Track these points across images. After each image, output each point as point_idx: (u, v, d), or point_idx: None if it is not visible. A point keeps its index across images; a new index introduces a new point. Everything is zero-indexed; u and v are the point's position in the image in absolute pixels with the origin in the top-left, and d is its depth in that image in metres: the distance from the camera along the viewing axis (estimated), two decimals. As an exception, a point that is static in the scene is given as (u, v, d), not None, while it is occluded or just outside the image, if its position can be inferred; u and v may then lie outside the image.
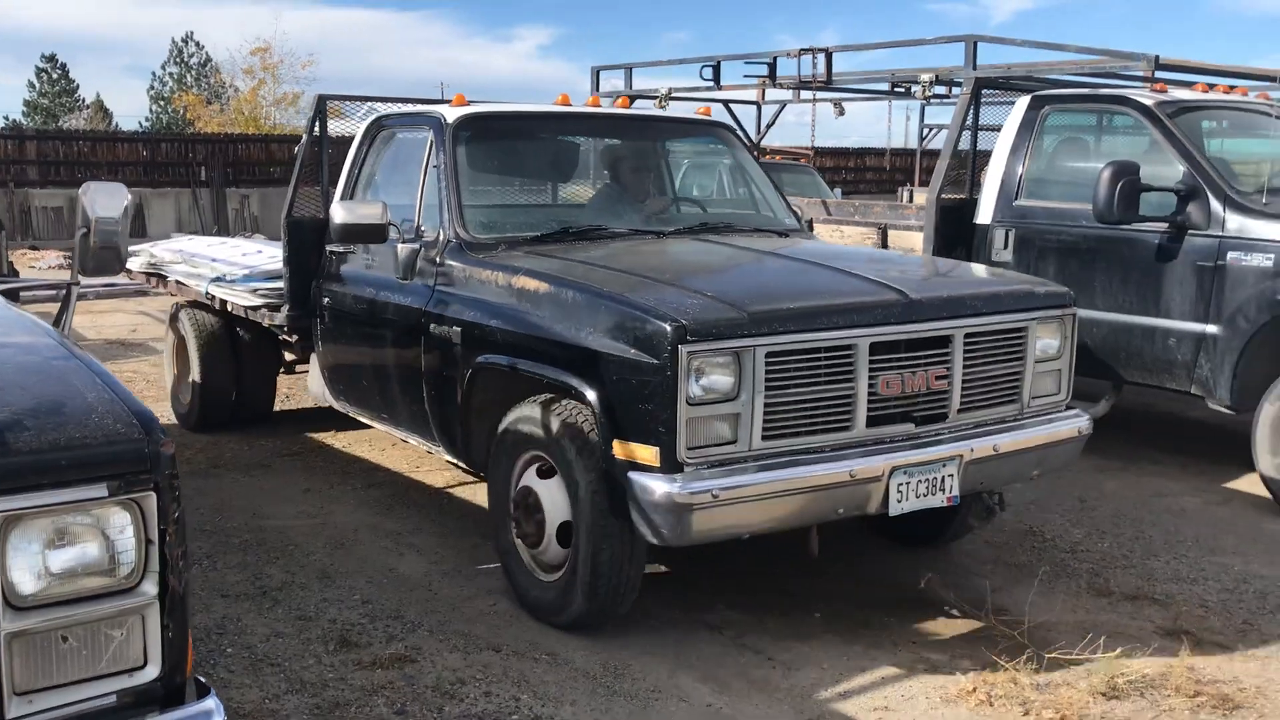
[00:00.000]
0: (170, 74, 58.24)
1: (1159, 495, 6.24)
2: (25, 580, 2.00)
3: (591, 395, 3.99)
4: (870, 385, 4.10)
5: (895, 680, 4.02)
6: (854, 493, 4.07)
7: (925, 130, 13.27)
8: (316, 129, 6.52)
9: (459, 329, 4.76)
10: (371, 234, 5.07)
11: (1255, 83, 7.47)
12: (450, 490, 6.22)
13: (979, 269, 5.95)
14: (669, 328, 3.78)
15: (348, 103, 6.52)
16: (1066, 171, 7.01)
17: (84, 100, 57.76)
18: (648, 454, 3.83)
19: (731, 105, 11.64)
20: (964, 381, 4.34)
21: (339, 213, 5.04)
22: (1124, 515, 5.90)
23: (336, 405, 6.16)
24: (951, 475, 4.25)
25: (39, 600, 2.02)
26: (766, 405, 3.90)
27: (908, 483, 4.15)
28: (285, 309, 6.26)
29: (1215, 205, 6.16)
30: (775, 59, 8.96)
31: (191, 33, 59.76)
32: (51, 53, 59.73)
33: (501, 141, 5.65)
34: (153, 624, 2.13)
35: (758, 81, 9.39)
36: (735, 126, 6.26)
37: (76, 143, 24.55)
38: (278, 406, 7.90)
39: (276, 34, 77.22)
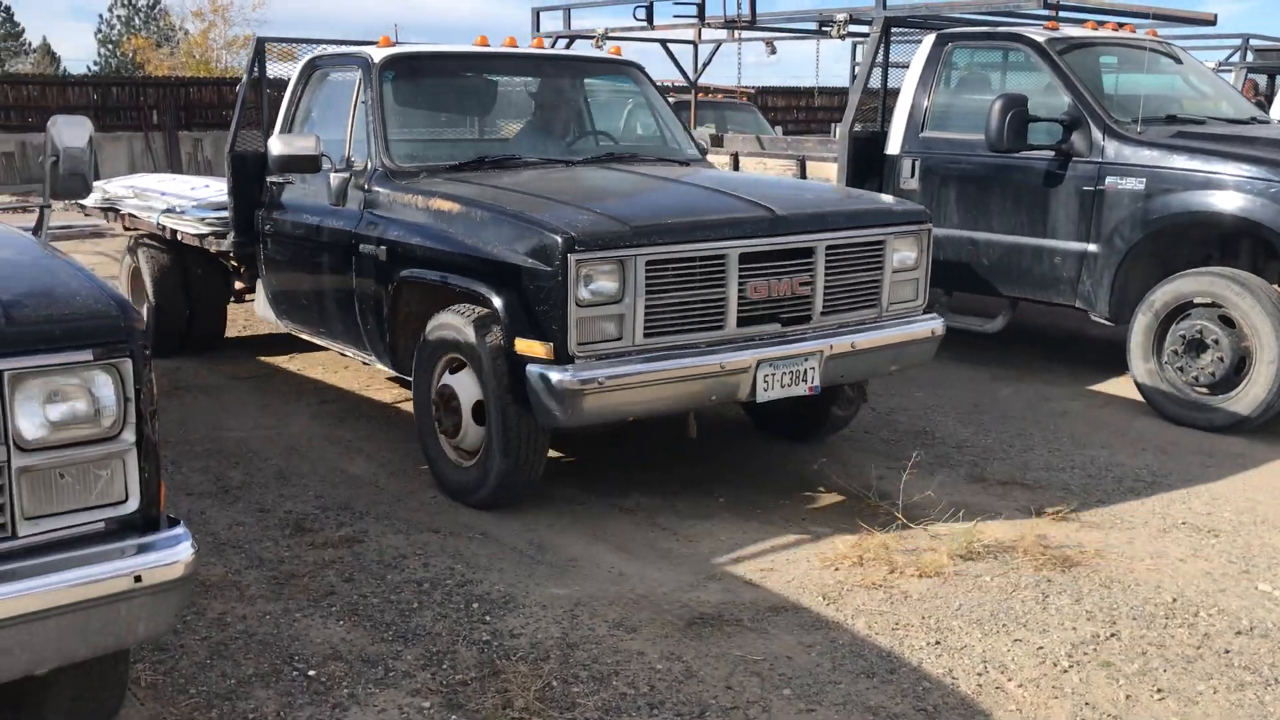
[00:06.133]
0: (118, 17, 57.37)
1: (1045, 400, 6.87)
2: (29, 427, 2.49)
3: (497, 301, 4.58)
4: (740, 290, 4.67)
5: (783, 549, 4.61)
6: (724, 382, 4.66)
7: (856, 68, 13.73)
8: (256, 70, 7.04)
9: (384, 248, 5.29)
10: (306, 164, 5.61)
11: (1142, 20, 8.01)
12: (398, 405, 6.73)
13: (846, 190, 6.66)
14: (560, 239, 4.36)
15: (293, 45, 7.02)
16: (966, 104, 7.54)
17: (30, 44, 56.83)
18: (543, 349, 4.44)
19: (669, 44, 12.08)
20: (826, 288, 4.93)
21: (276, 145, 5.62)
22: (1011, 416, 6.52)
23: (281, 324, 6.67)
24: (813, 368, 4.85)
25: (41, 444, 2.51)
26: (647, 307, 4.49)
27: (773, 374, 4.74)
28: (231, 236, 6.77)
29: (1096, 134, 6.73)
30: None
31: (139, -26, 58.61)
32: (-5, -5, 58.52)
33: (424, 79, 6.13)
34: (131, 466, 2.63)
35: (690, 21, 9.82)
36: (641, 64, 6.94)
37: (26, 87, 24.48)
38: (236, 334, 8.41)
39: (226, -25, 75.85)
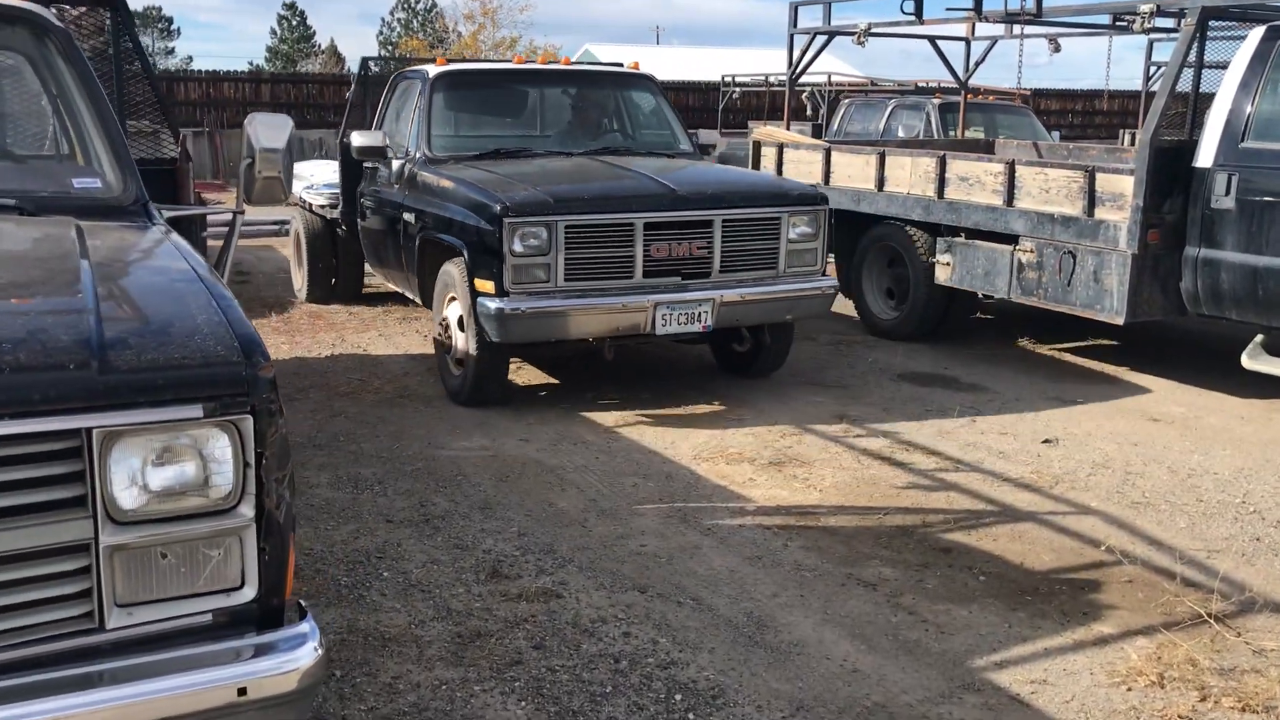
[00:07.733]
0: (398, 19, 60.35)
1: (1391, 470, 5.63)
2: (125, 496, 2.04)
3: (465, 252, 6.23)
4: (645, 250, 6.14)
5: (1059, 653, 3.75)
6: (625, 317, 6.16)
7: (1151, 69, 12.26)
8: (364, 78, 9.56)
9: (413, 214, 7.06)
10: (376, 153, 7.37)
11: None
12: (617, 430, 6.20)
13: (756, 176, 8.31)
14: (498, 207, 5.99)
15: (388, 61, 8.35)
16: (1304, 110, 6.32)
17: (319, 46, 60.58)
18: (489, 286, 6.05)
19: (938, 41, 11.11)
20: (724, 251, 6.32)
21: (356, 138, 7.36)
22: (1347, 490, 5.34)
23: (376, 273, 8.67)
24: (706, 311, 6.28)
25: (139, 516, 2.05)
26: (567, 259, 6.04)
27: (670, 314, 6.19)
28: (340, 206, 8.81)
29: None
30: (982, -10, 8.44)
31: (418, -21, 61.34)
32: (291, 1, 62.69)
33: (465, 90, 7.74)
34: (250, 546, 2.15)
35: (965, 16, 8.87)
36: (655, 76, 8.36)
37: (306, 85, 25.74)
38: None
39: (498, -21, 78.48)
